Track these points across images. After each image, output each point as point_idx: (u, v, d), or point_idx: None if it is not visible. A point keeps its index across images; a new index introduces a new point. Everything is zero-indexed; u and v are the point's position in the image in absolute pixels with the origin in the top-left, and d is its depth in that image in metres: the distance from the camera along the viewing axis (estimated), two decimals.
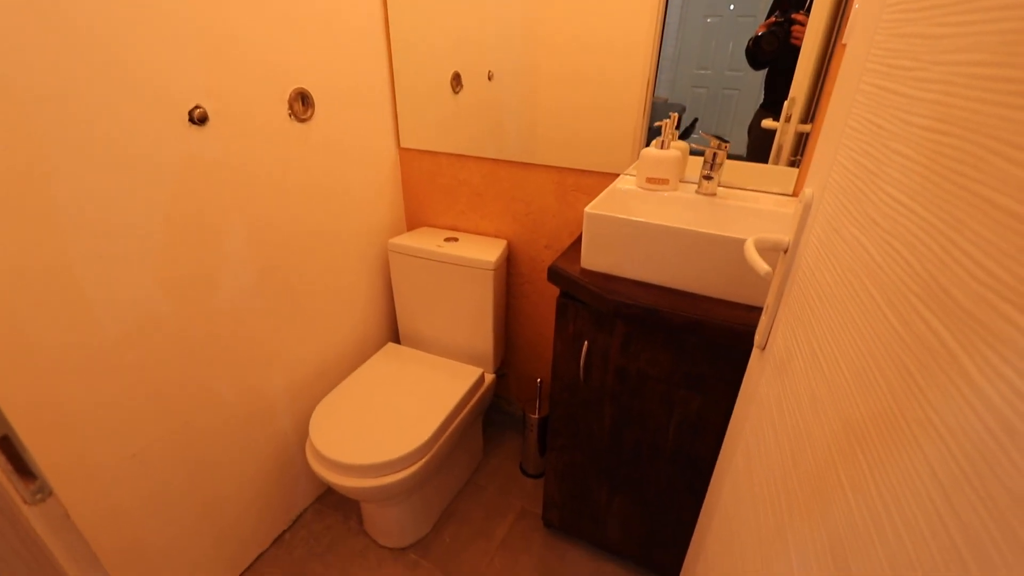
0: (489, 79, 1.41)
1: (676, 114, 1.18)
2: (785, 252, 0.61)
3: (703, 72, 1.20)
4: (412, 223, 1.70)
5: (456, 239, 1.54)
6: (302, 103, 1.22)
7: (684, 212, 1.15)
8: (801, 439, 0.44)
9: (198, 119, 1.00)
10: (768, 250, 0.63)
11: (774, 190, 1.15)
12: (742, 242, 0.87)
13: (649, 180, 1.17)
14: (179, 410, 1.09)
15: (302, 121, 1.23)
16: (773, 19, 1.07)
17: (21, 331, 0.81)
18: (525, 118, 1.37)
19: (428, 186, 1.61)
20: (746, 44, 1.11)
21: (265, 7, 1.08)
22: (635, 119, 1.24)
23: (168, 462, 1.10)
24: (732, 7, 1.12)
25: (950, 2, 0.30)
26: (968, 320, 0.23)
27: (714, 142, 1.12)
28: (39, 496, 0.38)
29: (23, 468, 0.37)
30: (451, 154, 1.52)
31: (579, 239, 1.17)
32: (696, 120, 1.25)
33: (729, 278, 0.93)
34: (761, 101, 1.16)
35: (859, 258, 0.37)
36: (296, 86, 1.20)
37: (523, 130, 1.39)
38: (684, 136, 1.24)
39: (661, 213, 1.16)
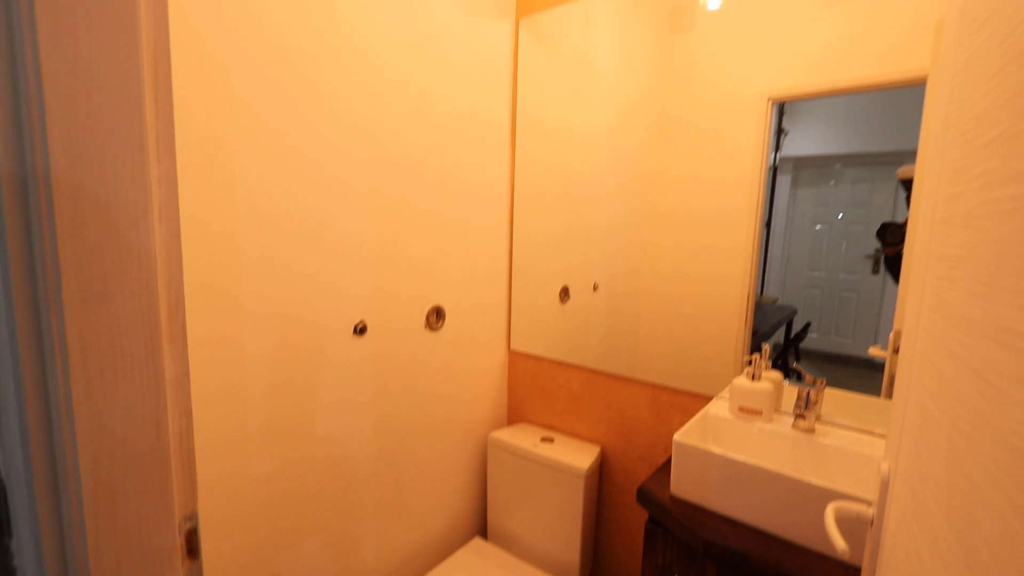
0: (594, 290, 1.63)
1: (768, 346, 1.26)
2: (871, 525, 0.61)
3: (816, 274, 1.27)
4: (513, 418, 1.84)
5: (552, 439, 1.62)
6: (436, 316, 1.51)
7: (777, 448, 1.15)
8: None
9: (360, 331, 1.30)
10: (852, 521, 0.63)
11: (880, 431, 1.12)
12: (834, 494, 0.85)
13: (742, 409, 1.21)
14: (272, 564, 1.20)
15: (434, 331, 1.51)
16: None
17: None
18: (625, 331, 1.53)
19: (530, 386, 1.77)
20: (876, 255, 1.16)
21: (419, 243, 1.43)
22: (736, 331, 1.30)
23: None
24: (840, 216, 1.23)
25: None
26: None
27: (809, 379, 1.16)
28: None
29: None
30: (554, 360, 1.70)
31: (671, 459, 1.20)
32: (808, 324, 1.27)
33: (824, 530, 0.89)
34: None
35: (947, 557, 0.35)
36: (433, 304, 1.50)
37: (622, 343, 1.54)
38: (796, 340, 1.26)
39: (753, 447, 1.17)
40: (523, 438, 1.63)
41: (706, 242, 1.35)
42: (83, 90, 0.42)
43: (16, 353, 0.43)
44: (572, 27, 1.55)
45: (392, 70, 1.29)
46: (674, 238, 1.41)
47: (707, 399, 1.35)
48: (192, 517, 0.52)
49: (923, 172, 0.58)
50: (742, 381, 1.22)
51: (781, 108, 1.24)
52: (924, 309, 0.49)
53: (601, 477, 1.60)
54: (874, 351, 1.20)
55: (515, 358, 1.81)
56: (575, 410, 1.66)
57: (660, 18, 1.38)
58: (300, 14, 1.08)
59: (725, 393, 1.31)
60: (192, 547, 0.52)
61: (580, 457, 1.50)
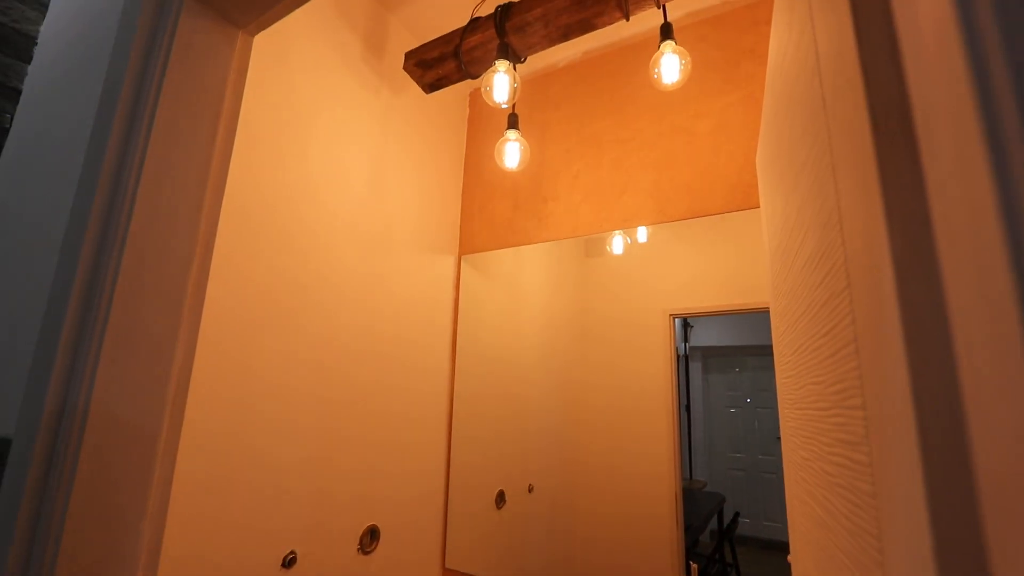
0: (530, 491, 1.64)
1: (696, 566, 1.30)
2: None
3: (738, 455, 1.35)
4: None
5: None
6: (370, 537, 1.45)
7: None
8: None
9: (288, 563, 1.22)
10: None
11: None
12: None
13: None
14: None
15: (367, 554, 1.44)
16: None
17: None
18: (563, 535, 1.53)
19: None
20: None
21: (357, 464, 1.44)
22: (669, 529, 1.35)
23: None
24: (748, 400, 1.36)
25: None
26: None
27: None
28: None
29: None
30: None
31: None
32: (737, 514, 1.30)
33: None
34: None
35: None
36: (368, 523, 1.45)
37: (560, 551, 1.52)
38: (729, 532, 1.28)
39: None
40: None
41: (631, 433, 1.49)
42: (130, 352, 0.52)
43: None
44: (504, 260, 1.86)
45: (350, 302, 1.46)
46: (601, 434, 1.55)
47: None
48: None
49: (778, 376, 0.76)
50: None
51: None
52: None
53: None
54: (790, 558, 1.27)
55: None
56: None
57: (577, 249, 1.71)
58: (279, 282, 1.26)
59: None
60: None
61: None
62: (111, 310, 0.55)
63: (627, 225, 1.61)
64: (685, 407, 1.44)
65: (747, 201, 1.41)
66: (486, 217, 1.93)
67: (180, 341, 0.61)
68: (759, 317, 1.42)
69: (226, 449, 1.12)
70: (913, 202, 0.29)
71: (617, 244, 1.63)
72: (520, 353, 1.76)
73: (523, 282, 1.82)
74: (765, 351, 1.44)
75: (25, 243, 0.74)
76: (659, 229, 1.55)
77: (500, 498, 1.71)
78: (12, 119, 1.01)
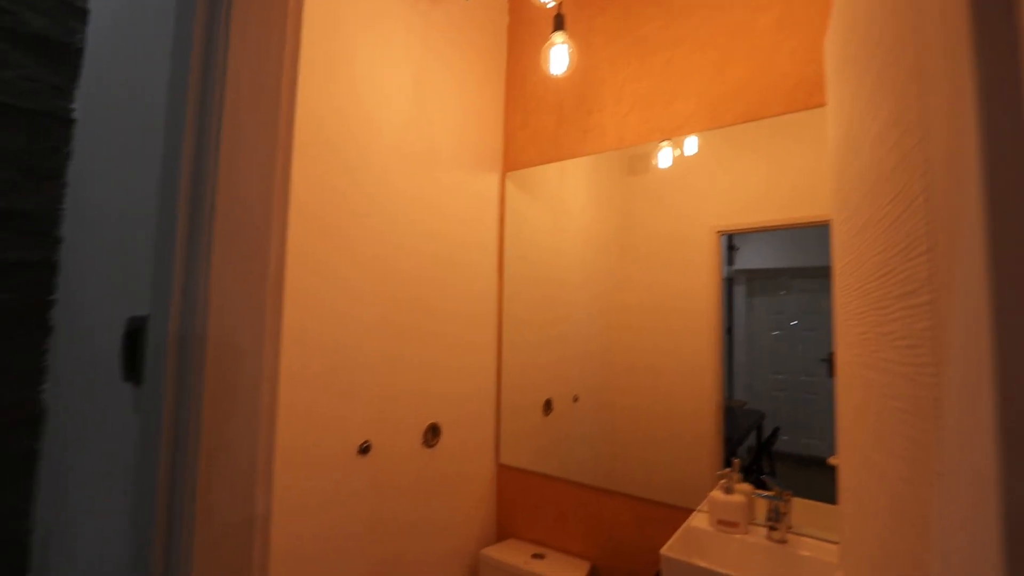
0: (575, 401, 1.76)
1: (738, 460, 1.39)
2: None
3: (779, 377, 1.40)
4: (502, 533, 1.86)
5: (543, 556, 1.65)
6: (432, 433, 1.61)
7: (755, 560, 1.24)
8: None
9: (363, 450, 1.38)
10: None
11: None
12: None
13: (720, 522, 1.31)
14: None
15: (430, 447, 1.59)
16: None
17: None
18: (606, 441, 1.64)
19: (519, 500, 1.82)
20: (830, 358, 1.26)
21: (418, 363, 1.57)
22: (709, 439, 1.43)
23: None
24: (795, 323, 1.36)
25: None
26: None
27: (776, 491, 1.28)
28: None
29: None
30: (540, 474, 1.77)
31: (659, 574, 1.27)
32: (777, 429, 1.38)
33: None
34: None
35: None
36: (430, 421, 1.60)
37: (604, 454, 1.64)
38: (767, 445, 1.37)
39: (733, 560, 1.26)
40: (514, 555, 1.65)
41: (674, 352, 1.53)
42: (233, 288, 0.59)
43: (157, 447, 0.55)
44: (548, 177, 1.86)
45: (404, 219, 1.52)
46: (644, 351, 1.59)
47: (687, 512, 1.44)
48: None
49: (837, 297, 0.77)
50: (718, 494, 1.33)
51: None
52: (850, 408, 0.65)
53: None
54: (832, 460, 1.34)
55: (503, 472, 1.87)
56: (564, 525, 1.71)
57: (621, 165, 1.69)
58: (339, 201, 1.32)
59: (704, 506, 1.41)
60: None
61: (571, 574, 1.53)
62: (216, 202, 0.61)
63: (677, 134, 1.57)
64: (727, 330, 1.46)
65: (810, 100, 1.34)
66: (529, 132, 1.91)
67: (273, 239, 0.67)
68: (810, 237, 1.37)
69: (308, 349, 1.24)
70: (1009, 94, 0.28)
71: (663, 158, 1.60)
72: (564, 273, 1.80)
73: (566, 200, 1.82)
74: (815, 273, 1.40)
75: (138, 135, 0.81)
76: (710, 139, 1.50)
77: (547, 406, 1.83)
78: (84, 39, 1.06)
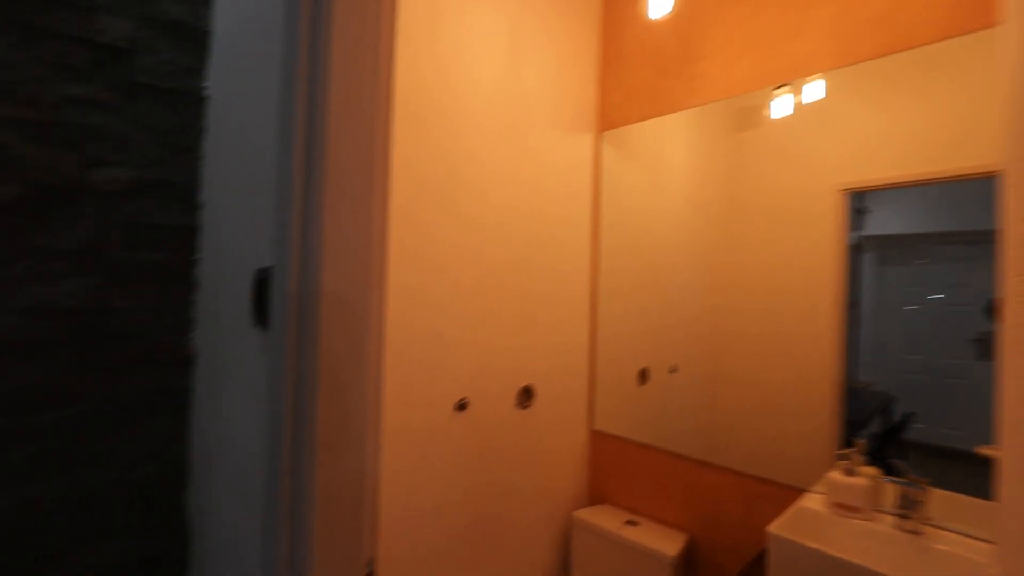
0: (672, 372, 1.69)
1: (863, 441, 1.25)
2: None
3: (913, 358, 1.22)
4: (594, 498, 1.86)
5: (636, 523, 1.63)
6: (526, 395, 1.63)
7: (881, 549, 1.12)
8: None
9: (461, 406, 1.44)
10: None
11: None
12: None
13: (839, 505, 1.20)
14: None
15: (524, 408, 1.62)
16: None
17: None
18: (707, 415, 1.56)
19: (612, 467, 1.81)
20: (983, 338, 1.07)
21: (513, 326, 1.58)
22: (826, 419, 1.31)
23: None
24: (938, 296, 1.15)
25: None
26: None
27: (911, 477, 1.14)
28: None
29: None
30: (635, 442, 1.74)
31: (763, 553, 1.19)
32: (911, 415, 1.21)
33: None
34: None
35: None
36: (524, 383, 1.62)
37: (704, 427, 1.57)
38: (896, 431, 1.22)
39: (853, 546, 1.14)
40: (607, 519, 1.65)
41: (786, 322, 1.40)
42: (341, 266, 0.63)
43: (281, 425, 0.60)
44: (647, 136, 1.75)
45: (498, 178, 1.52)
46: (754, 321, 1.47)
47: (796, 491, 1.34)
48: (371, 562, 0.65)
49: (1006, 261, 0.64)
50: (837, 475, 1.21)
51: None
52: None
53: (688, 566, 1.56)
54: (984, 450, 1.15)
55: (597, 438, 1.86)
56: (659, 494, 1.67)
57: (727, 120, 1.54)
58: (438, 159, 1.37)
59: (819, 487, 1.30)
60: None
61: (667, 543, 1.50)
62: (326, 165, 0.64)
63: (797, 76, 1.39)
64: (853, 303, 1.29)
65: (974, 20, 1.11)
66: (626, 88, 1.80)
67: (376, 197, 0.69)
68: (961, 195, 1.15)
69: (410, 302, 1.31)
70: None
71: (779, 106, 1.43)
72: (663, 235, 1.70)
73: (666, 160, 1.71)
74: (965, 238, 1.18)
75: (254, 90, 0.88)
76: (837, 81, 1.31)
77: (643, 375, 1.77)
78: (210, 22, 1.17)
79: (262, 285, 0.73)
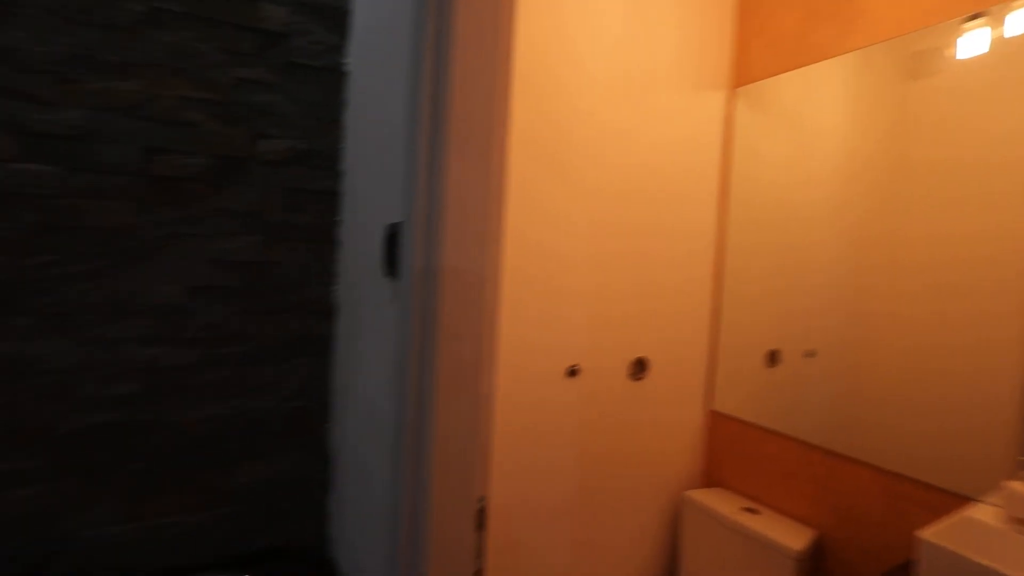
0: (808, 356, 1.52)
1: None
2: None
3: None
4: (708, 481, 1.77)
5: (756, 511, 1.52)
6: (639, 367, 1.59)
7: None
8: None
9: (571, 373, 1.45)
10: None
11: None
12: None
13: (1019, 520, 1.00)
14: None
15: (636, 380, 1.58)
16: None
17: None
18: (848, 405, 1.39)
19: (730, 451, 1.70)
20: None
21: (626, 294, 1.54)
22: (1005, 419, 1.11)
23: None
24: None
25: None
26: None
27: None
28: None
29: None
30: (760, 427, 1.61)
31: (909, 563, 1.05)
32: None
33: None
34: None
35: None
36: (637, 355, 1.58)
37: (844, 418, 1.40)
38: None
39: None
40: (722, 504, 1.57)
41: (964, 306, 1.17)
42: (461, 222, 0.66)
43: (406, 367, 0.66)
44: (790, 91, 1.55)
45: (616, 144, 1.47)
46: (918, 303, 1.25)
47: (964, 500, 1.14)
48: (482, 499, 0.69)
49: None
50: (1020, 486, 1.01)
51: None
52: None
53: (815, 564, 1.43)
54: None
55: (715, 419, 1.76)
56: (783, 484, 1.53)
57: (896, 66, 1.30)
58: (550, 121, 1.35)
59: (994, 497, 1.09)
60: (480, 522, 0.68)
61: (791, 536, 1.38)
62: (449, 121, 0.67)
63: (997, 0, 1.13)
64: None
65: None
66: (768, 36, 1.61)
67: (494, 156, 0.71)
68: None
69: (526, 259, 1.34)
70: None
71: (969, 43, 1.17)
72: (805, 205, 1.51)
73: (812, 117, 1.50)
74: None
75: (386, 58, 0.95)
76: None
77: (771, 357, 1.62)
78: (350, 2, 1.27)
79: (392, 239, 0.79)
